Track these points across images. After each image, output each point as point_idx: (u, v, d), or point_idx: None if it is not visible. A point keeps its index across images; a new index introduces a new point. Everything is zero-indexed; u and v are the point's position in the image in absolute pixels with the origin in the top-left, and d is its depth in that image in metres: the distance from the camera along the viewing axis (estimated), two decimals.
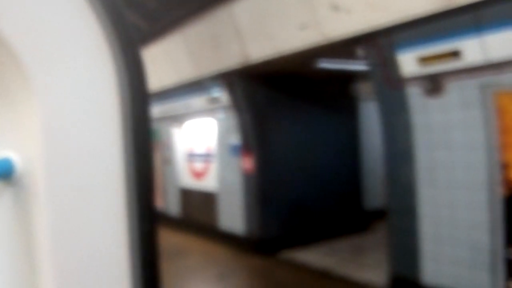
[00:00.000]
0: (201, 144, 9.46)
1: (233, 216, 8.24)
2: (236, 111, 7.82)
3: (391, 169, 5.41)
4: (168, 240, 8.69)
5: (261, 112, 7.72)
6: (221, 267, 7.15)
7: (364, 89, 8.74)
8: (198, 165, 9.56)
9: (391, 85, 5.14)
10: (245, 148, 7.80)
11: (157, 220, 1.41)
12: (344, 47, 5.65)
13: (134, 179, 1.32)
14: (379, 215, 8.23)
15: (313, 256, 7.36)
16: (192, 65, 8.04)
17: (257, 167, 7.68)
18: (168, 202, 10.53)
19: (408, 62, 4.85)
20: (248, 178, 7.82)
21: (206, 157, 9.24)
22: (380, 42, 5.06)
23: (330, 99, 8.48)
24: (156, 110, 10.16)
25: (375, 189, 9.33)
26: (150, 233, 1.36)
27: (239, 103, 7.71)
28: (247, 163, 7.78)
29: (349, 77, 8.33)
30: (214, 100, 8.30)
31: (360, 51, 5.47)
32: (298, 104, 8.08)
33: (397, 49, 4.92)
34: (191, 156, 9.85)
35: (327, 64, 6.69)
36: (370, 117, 9.03)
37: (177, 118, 9.99)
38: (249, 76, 7.49)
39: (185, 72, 8.32)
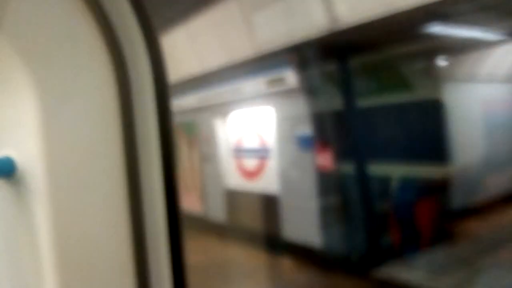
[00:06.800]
0: (253, 137, 7.94)
1: (303, 224, 6.71)
2: (307, 94, 6.30)
3: None
4: (207, 252, 7.17)
5: (341, 95, 6.19)
6: None
7: (457, 67, 7.20)
8: (250, 163, 8.04)
9: None
10: (320, 140, 6.29)
11: (179, 221, 1.26)
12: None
13: (139, 176, 1.27)
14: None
15: (416, 273, 5.82)
16: (249, 38, 6.48)
17: (337, 164, 6.17)
18: (208, 206, 9.01)
19: None
20: (324, 177, 6.30)
21: (261, 152, 7.72)
22: None
23: (418, 79, 6.93)
24: (193, 99, 8.65)
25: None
26: (170, 232, 1.27)
27: (313, 84, 6.19)
28: (323, 158, 6.27)
29: (440, 51, 6.79)
30: (276, 82, 6.75)
31: None
32: (383, 84, 6.56)
33: None
34: (239, 152, 8.32)
35: (442, 29, 5.16)
36: (463, 103, 7.39)
37: (222, 107, 8.45)
38: (329, 49, 5.96)
39: (239, 48, 6.76)
